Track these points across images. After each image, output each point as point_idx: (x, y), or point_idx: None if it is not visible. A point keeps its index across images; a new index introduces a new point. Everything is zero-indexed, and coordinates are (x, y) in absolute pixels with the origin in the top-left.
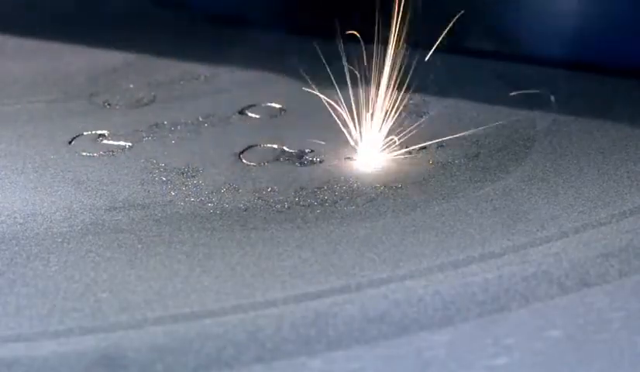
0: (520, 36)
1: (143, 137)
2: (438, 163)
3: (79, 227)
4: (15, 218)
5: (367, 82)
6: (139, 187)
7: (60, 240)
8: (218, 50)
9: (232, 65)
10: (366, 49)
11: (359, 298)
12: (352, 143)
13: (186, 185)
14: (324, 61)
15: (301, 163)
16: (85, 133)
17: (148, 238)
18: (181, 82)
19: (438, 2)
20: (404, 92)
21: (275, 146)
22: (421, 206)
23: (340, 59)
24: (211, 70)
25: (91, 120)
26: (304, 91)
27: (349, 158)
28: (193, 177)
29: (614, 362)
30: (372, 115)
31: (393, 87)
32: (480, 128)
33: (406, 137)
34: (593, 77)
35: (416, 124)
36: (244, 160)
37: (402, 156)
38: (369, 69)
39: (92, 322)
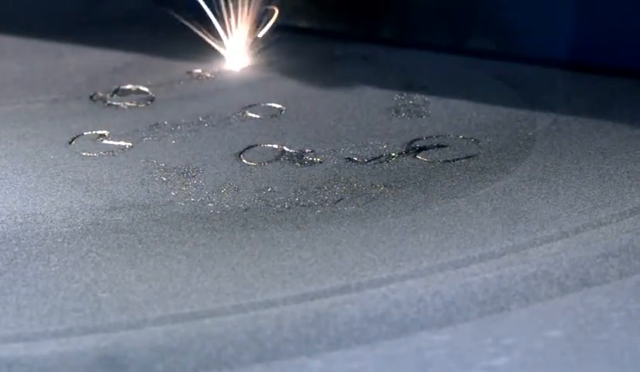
0: (520, 35)
1: (143, 137)
2: (438, 162)
3: (79, 227)
4: (15, 218)
5: None
6: (139, 187)
7: (60, 240)
8: (218, 50)
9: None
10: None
11: (359, 298)
12: None
13: (186, 185)
14: None
15: (301, 163)
16: (85, 133)
17: (148, 238)
18: (181, 82)
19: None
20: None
21: (275, 146)
22: (421, 206)
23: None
24: (211, 70)
25: (91, 120)
26: (304, 91)
27: (349, 158)
28: (193, 177)
29: (614, 362)
30: None
31: None
32: (480, 128)
33: None
34: (593, 77)
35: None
36: (244, 160)
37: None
38: None
39: (92, 322)
